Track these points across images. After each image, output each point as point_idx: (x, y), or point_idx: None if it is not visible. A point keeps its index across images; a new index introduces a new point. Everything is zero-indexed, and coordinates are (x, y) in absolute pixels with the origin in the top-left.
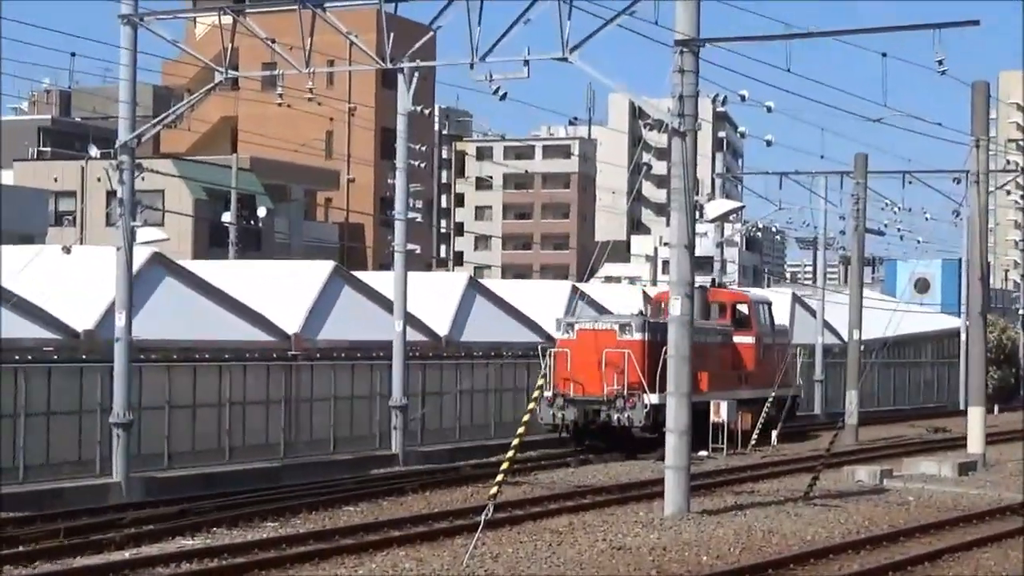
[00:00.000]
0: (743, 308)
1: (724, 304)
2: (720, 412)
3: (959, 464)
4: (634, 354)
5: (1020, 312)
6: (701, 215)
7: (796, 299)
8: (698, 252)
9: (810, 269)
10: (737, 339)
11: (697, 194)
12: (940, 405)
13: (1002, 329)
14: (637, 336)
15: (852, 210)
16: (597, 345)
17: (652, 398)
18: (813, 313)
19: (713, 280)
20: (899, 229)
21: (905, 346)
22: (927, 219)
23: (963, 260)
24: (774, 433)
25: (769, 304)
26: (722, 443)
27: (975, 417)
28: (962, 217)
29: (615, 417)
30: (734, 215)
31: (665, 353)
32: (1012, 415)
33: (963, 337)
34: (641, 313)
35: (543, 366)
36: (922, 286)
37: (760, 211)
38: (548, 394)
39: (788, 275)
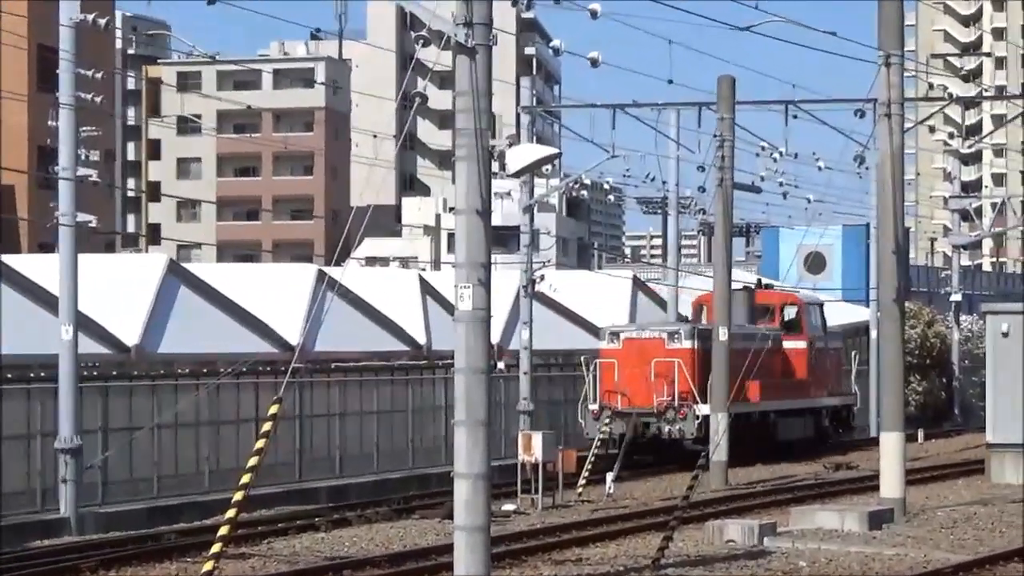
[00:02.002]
0: (792, 310)
1: (772, 307)
2: (533, 448)
3: (869, 514)
4: (684, 363)
5: (953, 298)
6: (502, 167)
7: (638, 284)
8: (499, 220)
9: (658, 242)
10: (787, 344)
11: (495, 137)
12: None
13: (927, 322)
14: (687, 344)
15: (715, 158)
16: (645, 354)
17: (704, 409)
18: (663, 304)
19: (759, 281)
20: (782, 184)
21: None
22: (821, 169)
23: (871, 226)
24: (609, 477)
25: (821, 305)
26: (536, 492)
27: (890, 447)
28: (868, 166)
29: (665, 429)
30: (548, 166)
31: None
32: (943, 443)
33: (873, 334)
34: (687, 319)
35: (586, 378)
36: (815, 263)
37: (586, 160)
38: (593, 407)
39: (627, 251)
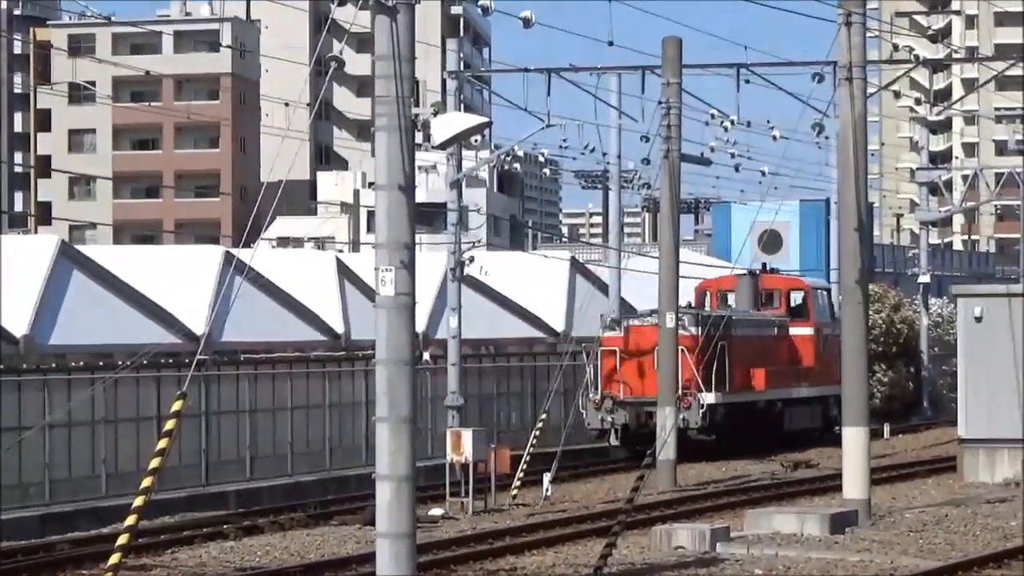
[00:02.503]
0: (799, 296)
1: (777, 292)
2: (463, 447)
3: (831, 517)
4: (688, 350)
5: (921, 279)
6: (426, 138)
7: (577, 267)
8: (423, 197)
9: (598, 220)
10: (793, 331)
11: (418, 105)
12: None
13: (894, 306)
14: (691, 331)
15: (660, 127)
16: (647, 342)
17: (709, 397)
18: (605, 288)
19: (764, 265)
20: (733, 155)
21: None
22: (776, 138)
23: (831, 201)
24: (546, 477)
25: (828, 291)
26: (467, 494)
27: (854, 444)
28: (828, 135)
29: None
30: (477, 137)
31: (721, 350)
32: (911, 439)
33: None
34: (691, 305)
35: (587, 367)
36: (770, 242)
37: (519, 130)
38: (594, 396)
39: (564, 230)
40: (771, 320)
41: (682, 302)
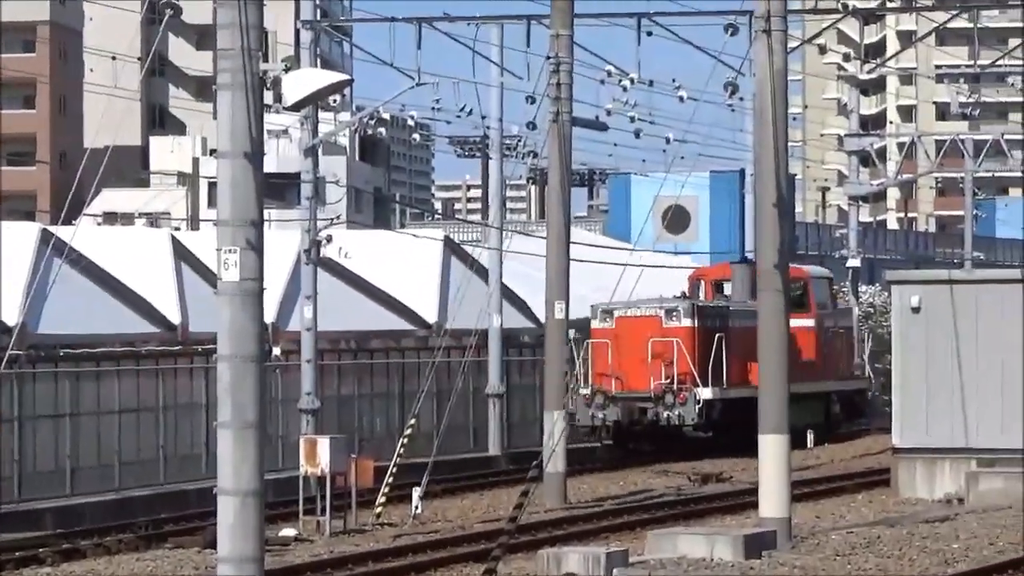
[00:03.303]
0: (798, 285)
1: None
2: (318, 457)
3: (745, 539)
4: (683, 343)
5: (850, 263)
6: (277, 99)
7: (452, 248)
8: (274, 166)
9: (476, 194)
10: (793, 323)
11: (268, 60)
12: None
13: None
14: (686, 322)
15: (549, 86)
16: (640, 334)
17: (705, 392)
18: (484, 273)
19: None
20: (634, 119)
21: None
22: (683, 100)
23: (746, 173)
24: (416, 492)
25: (830, 279)
26: (323, 512)
27: (772, 455)
28: (742, 96)
29: (663, 415)
30: (336, 97)
31: (717, 342)
32: (839, 448)
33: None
34: (685, 295)
35: (576, 360)
36: (676, 220)
37: (384, 89)
38: (585, 391)
39: (437, 205)
40: None
41: (661, 292)
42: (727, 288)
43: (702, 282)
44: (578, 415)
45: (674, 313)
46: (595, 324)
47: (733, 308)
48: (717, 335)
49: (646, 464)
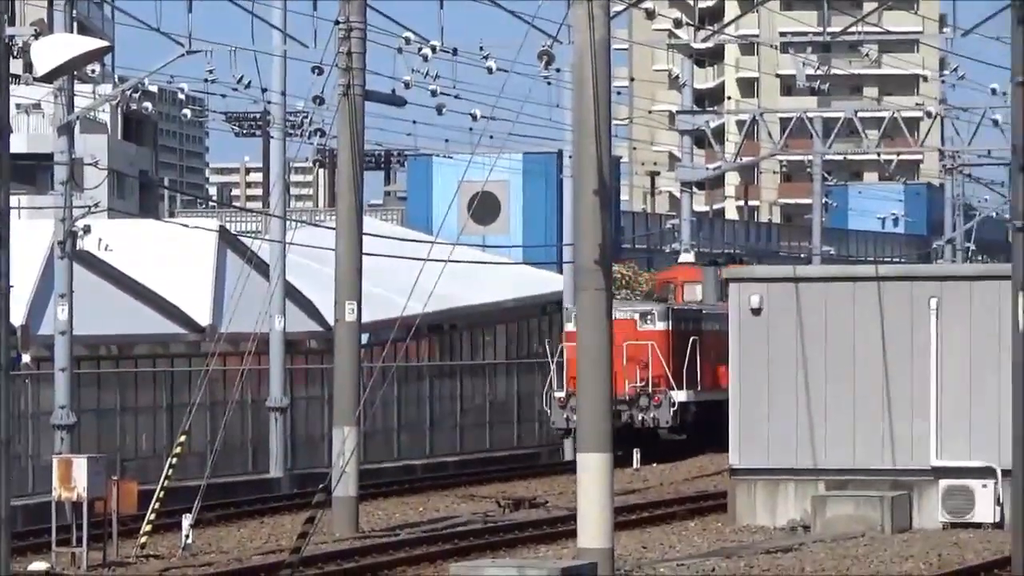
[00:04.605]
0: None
1: None
2: (74, 480)
3: (561, 572)
4: (658, 346)
5: (682, 258)
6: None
7: (228, 240)
8: (22, 146)
9: (257, 178)
10: (647, 327)
11: (13, 24)
12: (531, 449)
13: (647, 293)
14: (660, 326)
15: (339, 55)
16: (619, 336)
17: (680, 395)
18: (265, 269)
19: (732, 255)
20: (435, 93)
21: (453, 332)
22: (491, 71)
23: (564, 155)
24: (186, 520)
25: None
26: (80, 543)
27: (593, 477)
28: (559, 67)
29: (638, 418)
30: (94, 66)
31: (692, 344)
32: (669, 468)
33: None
34: (660, 298)
35: (551, 362)
36: (484, 208)
37: (150, 58)
38: (559, 395)
39: (212, 191)
40: None
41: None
42: (698, 291)
43: (672, 285)
44: (552, 418)
45: (649, 316)
46: (569, 327)
47: (706, 311)
48: (691, 338)
49: (449, 488)
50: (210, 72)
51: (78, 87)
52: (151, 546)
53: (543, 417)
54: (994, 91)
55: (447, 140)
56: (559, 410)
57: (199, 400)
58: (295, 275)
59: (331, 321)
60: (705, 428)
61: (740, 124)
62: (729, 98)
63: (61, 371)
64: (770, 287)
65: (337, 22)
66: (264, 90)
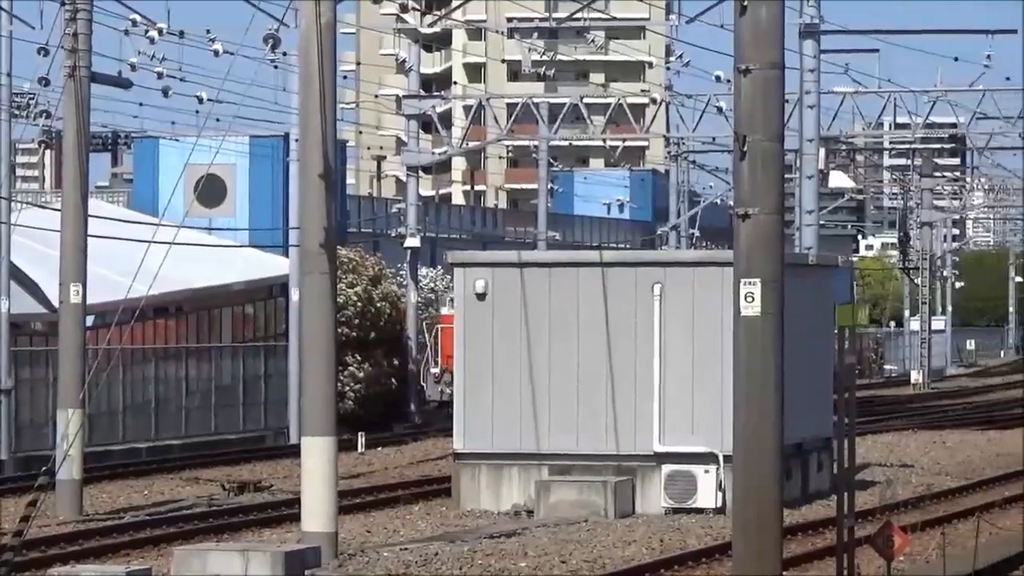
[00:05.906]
0: None
1: None
2: None
3: (285, 556)
4: None
5: (408, 243)
6: None
7: None
8: None
9: None
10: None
11: None
12: (257, 432)
13: (373, 279)
14: None
15: (65, 36)
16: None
17: None
18: None
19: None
20: (161, 75)
21: (179, 315)
22: (218, 54)
23: (291, 138)
24: None
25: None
26: None
27: (316, 460)
28: (286, 51)
29: None
30: None
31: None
32: (394, 452)
33: (293, 295)
34: None
35: (428, 341)
36: (211, 191)
37: None
38: (435, 371)
39: None
40: None
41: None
42: None
43: None
44: (428, 391)
45: None
46: (444, 311)
47: None
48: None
49: (175, 471)
50: None
51: None
52: None
53: (268, 401)
54: (718, 78)
55: (173, 123)
56: (434, 385)
57: None
58: (20, 257)
59: (56, 303)
60: None
61: (467, 109)
62: (456, 83)
63: None
64: (495, 272)
65: (63, 3)
66: None
